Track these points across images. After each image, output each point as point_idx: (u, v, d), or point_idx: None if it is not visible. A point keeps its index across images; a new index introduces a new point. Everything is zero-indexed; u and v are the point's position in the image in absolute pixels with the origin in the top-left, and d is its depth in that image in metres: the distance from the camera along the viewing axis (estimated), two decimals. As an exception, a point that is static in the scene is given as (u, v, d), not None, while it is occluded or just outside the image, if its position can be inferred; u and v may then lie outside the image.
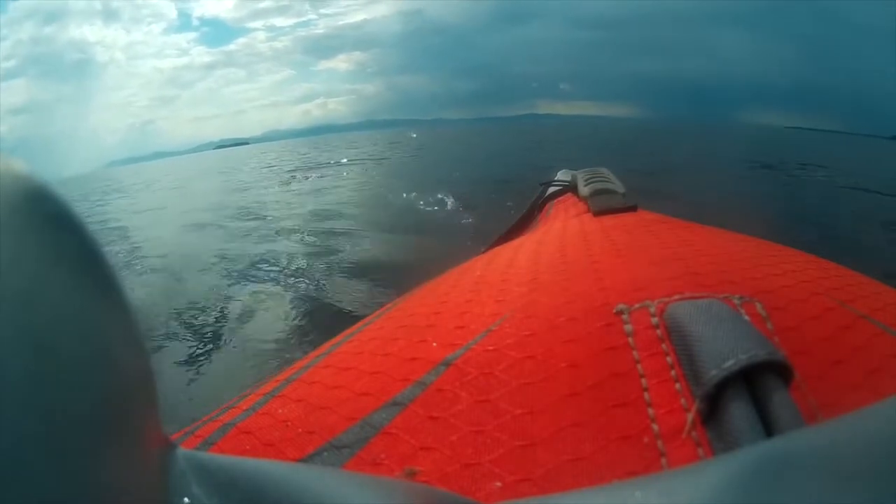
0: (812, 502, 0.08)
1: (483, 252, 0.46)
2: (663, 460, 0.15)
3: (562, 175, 0.91)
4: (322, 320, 1.50)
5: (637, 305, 0.20)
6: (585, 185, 0.60)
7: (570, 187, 0.72)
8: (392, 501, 0.11)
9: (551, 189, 0.82)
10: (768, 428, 0.15)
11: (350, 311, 1.52)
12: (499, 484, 0.16)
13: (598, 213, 0.48)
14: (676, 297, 0.20)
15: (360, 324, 0.32)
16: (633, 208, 0.47)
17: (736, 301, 0.20)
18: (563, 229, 0.40)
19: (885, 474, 0.08)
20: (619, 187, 0.58)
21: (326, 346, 0.30)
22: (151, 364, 0.08)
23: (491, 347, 0.21)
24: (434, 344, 0.23)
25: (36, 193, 0.07)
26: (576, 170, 0.78)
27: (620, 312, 0.20)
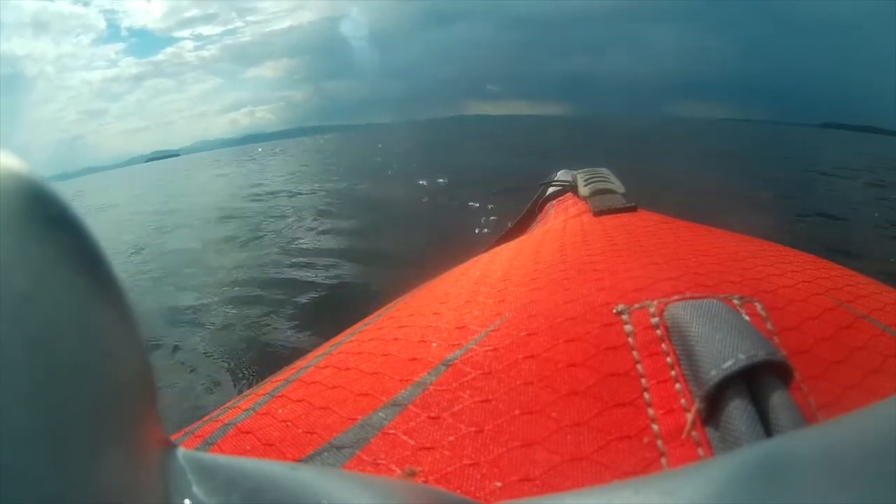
0: (812, 502, 0.08)
1: (483, 252, 0.46)
2: (663, 460, 0.15)
3: (562, 175, 0.91)
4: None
5: (637, 306, 0.20)
6: (585, 185, 0.60)
7: (570, 187, 0.72)
8: (392, 501, 0.11)
9: (551, 189, 0.82)
10: (768, 428, 0.15)
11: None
12: (499, 484, 0.16)
13: (598, 213, 0.48)
14: (676, 297, 0.20)
15: (360, 324, 0.32)
16: (633, 208, 0.47)
17: (736, 301, 0.20)
18: (563, 229, 0.40)
19: (885, 474, 0.08)
20: (619, 187, 0.58)
21: (326, 346, 0.30)
22: (151, 364, 0.08)
23: (491, 347, 0.21)
24: (434, 344, 0.23)
25: (36, 193, 0.07)
26: (576, 170, 0.78)
27: (620, 313, 0.20)
